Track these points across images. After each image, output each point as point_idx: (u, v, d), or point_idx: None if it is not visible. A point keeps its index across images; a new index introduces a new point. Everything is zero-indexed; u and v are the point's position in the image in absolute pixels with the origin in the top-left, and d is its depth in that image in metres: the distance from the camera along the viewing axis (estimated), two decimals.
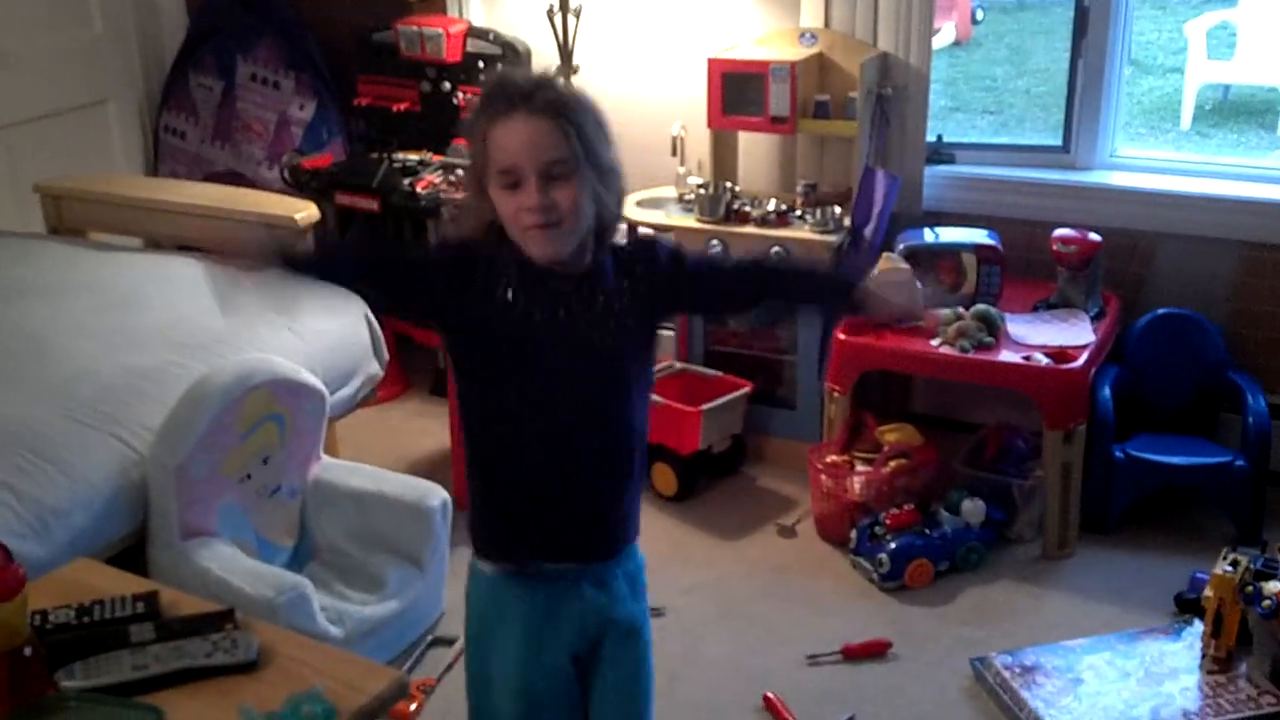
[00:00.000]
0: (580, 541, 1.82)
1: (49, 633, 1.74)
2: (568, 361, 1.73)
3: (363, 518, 2.82)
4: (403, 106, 4.11)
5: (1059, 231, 3.32)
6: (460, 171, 3.85)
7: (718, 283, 1.85)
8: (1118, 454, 3.21)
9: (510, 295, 1.71)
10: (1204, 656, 2.67)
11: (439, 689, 2.69)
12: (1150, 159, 3.66)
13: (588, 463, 1.78)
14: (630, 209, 3.67)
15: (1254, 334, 3.41)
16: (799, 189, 3.58)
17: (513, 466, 1.79)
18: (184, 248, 3.54)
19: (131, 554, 2.55)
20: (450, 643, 2.82)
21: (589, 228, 1.72)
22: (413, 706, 2.58)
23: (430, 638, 2.84)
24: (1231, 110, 7.16)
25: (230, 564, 2.52)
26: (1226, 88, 7.22)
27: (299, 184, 3.97)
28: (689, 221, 3.52)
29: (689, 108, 3.71)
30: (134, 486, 2.54)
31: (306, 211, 3.38)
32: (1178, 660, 2.69)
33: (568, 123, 1.66)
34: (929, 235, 3.41)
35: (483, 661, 1.87)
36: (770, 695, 2.64)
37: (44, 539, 2.36)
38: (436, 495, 2.82)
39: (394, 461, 3.52)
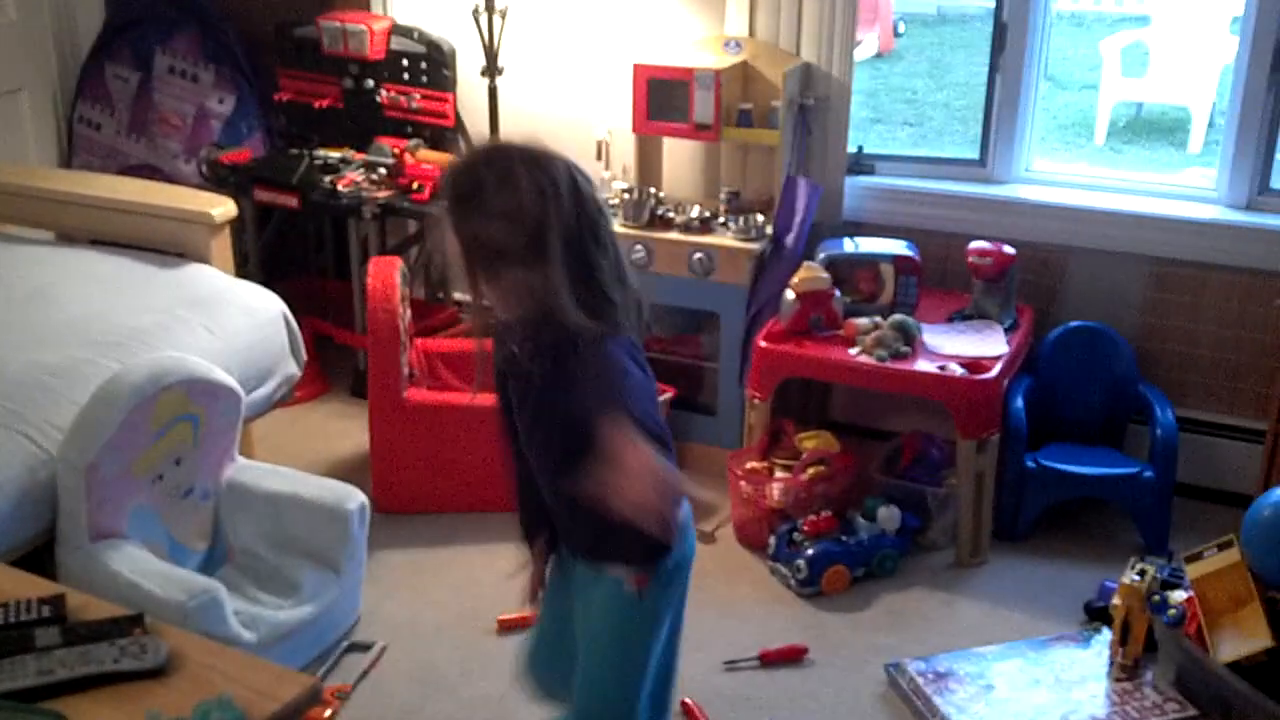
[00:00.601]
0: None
1: None
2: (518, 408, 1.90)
3: (278, 521, 2.78)
4: (325, 103, 4.07)
5: (975, 244, 3.36)
6: (381, 170, 3.83)
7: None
8: (1029, 463, 3.27)
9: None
10: (1112, 664, 2.73)
11: (354, 695, 2.66)
12: (1064, 174, 3.72)
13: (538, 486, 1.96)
14: None
15: (1163, 348, 3.49)
16: (722, 196, 3.60)
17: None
18: (97, 242, 3.48)
19: (39, 556, 2.50)
20: (366, 648, 2.80)
21: (541, 308, 1.77)
22: (327, 713, 2.55)
23: (346, 643, 2.81)
24: (1144, 127, 7.33)
25: (141, 567, 2.47)
26: (1139, 105, 7.39)
27: (217, 179, 3.92)
28: (613, 226, 3.52)
29: (614, 112, 3.72)
30: (42, 487, 2.49)
31: (224, 207, 3.34)
32: (1086, 667, 2.74)
33: (462, 234, 1.75)
34: (849, 245, 3.44)
35: None
36: (687, 700, 2.65)
37: None
38: (354, 498, 2.79)
39: (312, 463, 3.48)
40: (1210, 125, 6.70)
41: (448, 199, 1.77)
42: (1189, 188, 3.58)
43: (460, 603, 2.98)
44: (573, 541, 1.99)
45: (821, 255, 3.38)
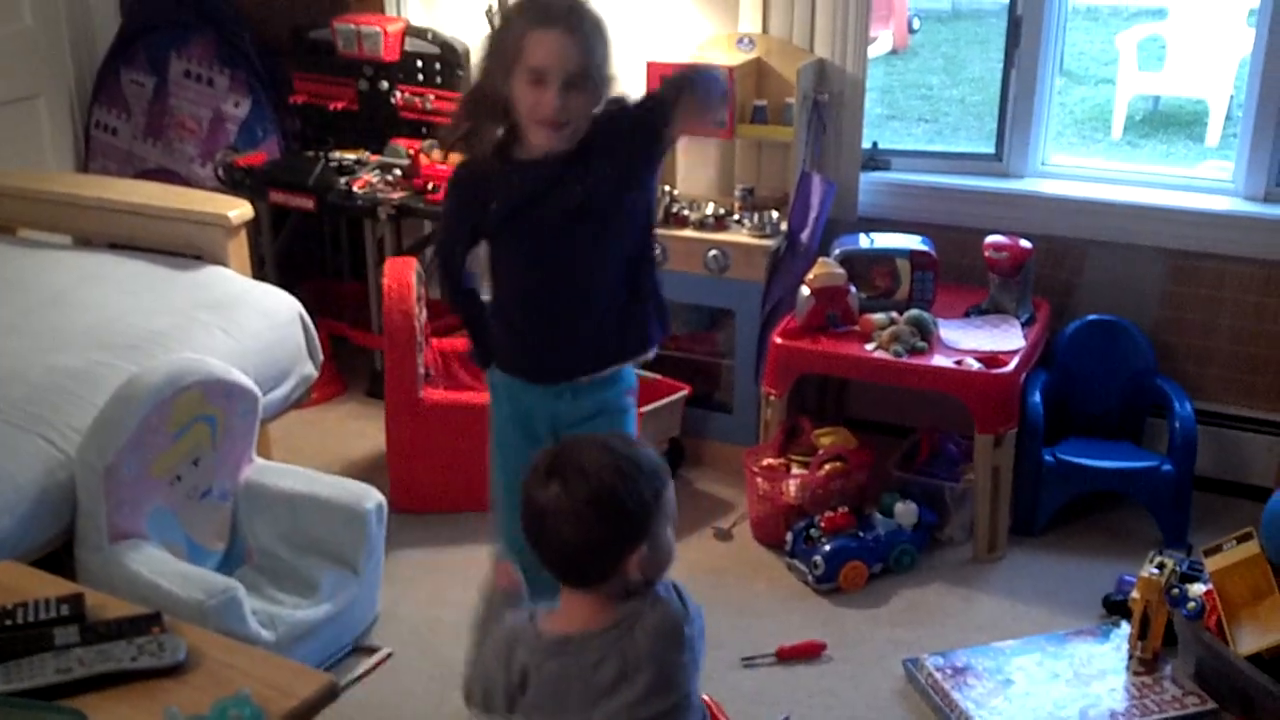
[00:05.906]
0: (570, 363, 2.24)
1: None
2: (549, 226, 2.14)
3: (296, 520, 2.79)
4: (339, 105, 4.08)
5: (991, 238, 3.36)
6: (396, 171, 3.83)
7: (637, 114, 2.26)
8: (1047, 458, 3.26)
9: (509, 184, 2.14)
10: (1131, 658, 2.72)
11: (370, 696, 2.66)
12: (1081, 168, 3.71)
13: (566, 307, 2.21)
14: None
15: (1181, 341, 3.47)
16: (737, 193, 3.60)
17: (517, 307, 2.25)
18: (115, 246, 3.50)
19: (59, 557, 2.51)
20: (372, 651, 2.79)
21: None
22: None
23: (349, 645, 2.80)
24: (1161, 121, 7.30)
25: (160, 567, 2.49)
26: (1156, 99, 7.36)
27: (233, 182, 3.93)
28: None
29: None
30: (61, 488, 2.50)
31: (240, 210, 3.35)
32: (1105, 661, 2.73)
33: (589, 44, 2.11)
34: (864, 241, 3.43)
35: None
36: (705, 697, 2.64)
37: None
38: (371, 498, 2.79)
39: (329, 463, 3.49)
40: (1228, 118, 6.67)
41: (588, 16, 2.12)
42: (1206, 180, 3.56)
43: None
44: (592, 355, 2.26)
45: (837, 251, 3.38)
